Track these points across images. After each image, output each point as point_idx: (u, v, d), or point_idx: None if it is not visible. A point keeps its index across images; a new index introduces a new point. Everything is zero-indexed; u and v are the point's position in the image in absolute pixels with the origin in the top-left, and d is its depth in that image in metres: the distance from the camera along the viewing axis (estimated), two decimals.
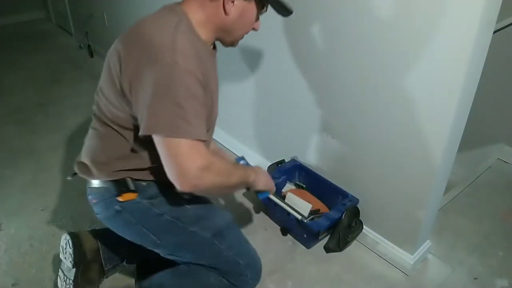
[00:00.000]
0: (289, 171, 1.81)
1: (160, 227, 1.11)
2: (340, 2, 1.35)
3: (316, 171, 1.75)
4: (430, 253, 1.63)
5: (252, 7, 1.05)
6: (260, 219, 1.81)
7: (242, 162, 1.41)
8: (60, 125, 2.53)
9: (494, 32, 1.16)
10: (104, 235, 1.38)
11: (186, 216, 1.12)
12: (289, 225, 1.68)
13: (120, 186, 1.08)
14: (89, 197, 1.16)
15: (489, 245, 1.68)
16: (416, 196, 1.41)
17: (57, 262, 1.58)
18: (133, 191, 1.08)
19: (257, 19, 1.10)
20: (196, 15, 1.02)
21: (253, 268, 1.17)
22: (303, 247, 1.67)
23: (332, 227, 1.61)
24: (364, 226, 1.64)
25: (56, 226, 1.76)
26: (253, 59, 1.83)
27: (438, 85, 1.19)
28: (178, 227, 1.10)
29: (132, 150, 1.07)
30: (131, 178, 1.09)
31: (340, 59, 1.44)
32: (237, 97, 2.03)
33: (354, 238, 1.64)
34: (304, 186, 1.80)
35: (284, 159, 1.83)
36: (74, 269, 1.32)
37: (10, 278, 1.52)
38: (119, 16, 2.97)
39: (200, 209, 1.15)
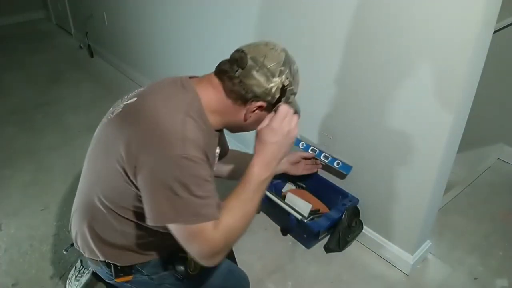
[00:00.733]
0: None
1: None
2: (341, 2, 1.36)
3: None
4: (430, 253, 1.63)
5: (268, 114, 1.00)
6: (260, 219, 1.80)
7: None
8: (60, 125, 2.53)
9: (494, 32, 1.16)
10: None
11: (185, 284, 1.12)
12: (289, 225, 1.68)
13: (117, 271, 1.06)
14: (89, 264, 1.15)
15: (489, 245, 1.68)
16: (416, 196, 1.41)
17: (57, 262, 1.59)
18: (128, 275, 1.07)
19: None
20: (210, 102, 0.97)
21: None
22: (303, 247, 1.67)
23: (332, 227, 1.61)
24: (364, 226, 1.64)
25: (56, 226, 1.77)
26: None
27: (438, 85, 1.19)
28: None
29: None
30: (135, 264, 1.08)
31: (341, 59, 1.44)
32: None
33: (354, 238, 1.64)
34: (304, 186, 1.80)
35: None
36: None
37: (10, 278, 1.52)
38: (119, 16, 2.96)
39: (197, 277, 1.13)
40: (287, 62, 0.97)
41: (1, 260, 1.60)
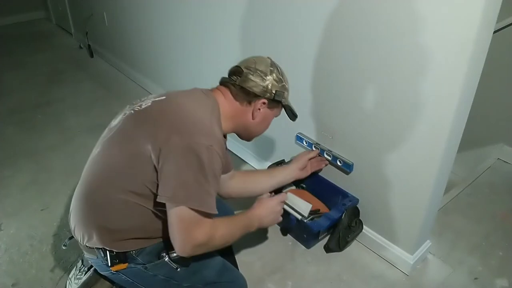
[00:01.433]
0: None
1: (156, 285, 1.15)
2: (341, 2, 1.36)
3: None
4: (430, 253, 1.63)
5: (272, 113, 1.24)
6: None
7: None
8: (60, 125, 2.54)
9: (494, 32, 1.16)
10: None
11: (178, 275, 1.14)
12: (289, 225, 1.68)
13: (112, 257, 1.09)
14: (85, 255, 1.18)
15: (489, 245, 1.68)
16: (416, 196, 1.41)
17: (57, 262, 1.59)
18: (123, 262, 1.10)
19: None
20: (225, 107, 1.16)
21: None
22: (303, 247, 1.67)
23: (332, 227, 1.61)
24: (364, 226, 1.64)
25: (56, 226, 1.77)
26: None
27: (438, 84, 1.19)
28: (172, 285, 1.15)
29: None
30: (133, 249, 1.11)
31: (341, 59, 1.44)
32: None
33: (354, 238, 1.64)
34: (304, 186, 1.80)
35: (284, 159, 1.83)
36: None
37: (10, 278, 1.52)
38: (119, 16, 2.96)
39: (190, 267, 1.15)
40: (274, 65, 1.20)
41: (1, 260, 1.60)
